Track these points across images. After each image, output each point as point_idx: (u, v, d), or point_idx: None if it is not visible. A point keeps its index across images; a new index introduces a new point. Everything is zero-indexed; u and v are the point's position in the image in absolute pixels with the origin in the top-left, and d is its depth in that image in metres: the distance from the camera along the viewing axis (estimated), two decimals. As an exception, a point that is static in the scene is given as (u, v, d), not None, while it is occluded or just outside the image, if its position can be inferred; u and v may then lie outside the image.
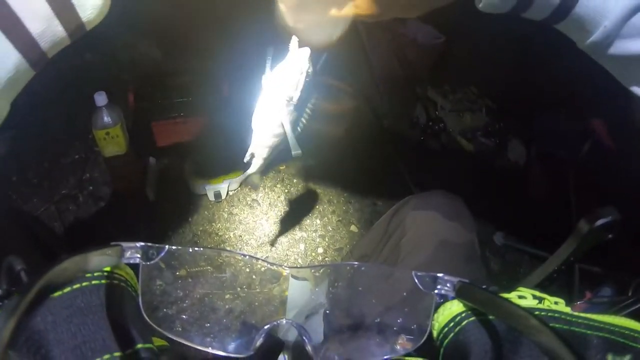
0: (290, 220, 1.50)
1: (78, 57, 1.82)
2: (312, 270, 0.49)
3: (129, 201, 1.46)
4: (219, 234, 1.44)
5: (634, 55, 0.47)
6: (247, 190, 1.55)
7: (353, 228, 1.51)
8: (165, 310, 0.46)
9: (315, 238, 1.47)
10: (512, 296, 0.44)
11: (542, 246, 1.35)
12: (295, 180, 1.62)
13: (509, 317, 0.36)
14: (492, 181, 1.61)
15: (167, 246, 0.44)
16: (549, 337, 0.32)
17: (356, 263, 0.49)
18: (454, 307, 0.42)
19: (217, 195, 1.49)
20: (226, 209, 1.50)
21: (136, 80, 1.64)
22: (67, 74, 1.63)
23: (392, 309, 0.47)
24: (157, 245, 0.44)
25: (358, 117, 1.81)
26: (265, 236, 1.45)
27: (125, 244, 0.42)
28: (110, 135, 1.30)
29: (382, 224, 0.91)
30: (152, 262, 0.44)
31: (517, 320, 0.35)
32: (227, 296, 0.50)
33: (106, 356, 0.35)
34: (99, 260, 0.39)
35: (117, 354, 0.35)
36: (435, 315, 0.44)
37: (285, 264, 1.06)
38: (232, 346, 0.46)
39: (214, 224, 1.46)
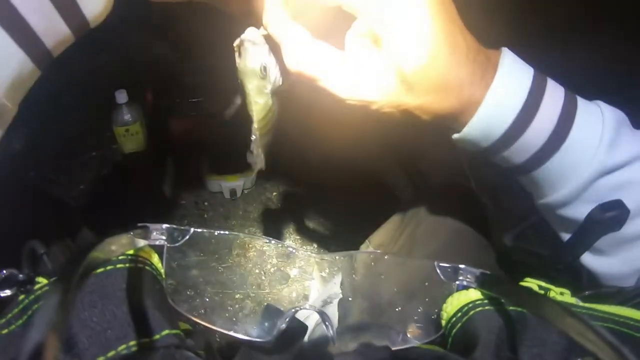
0: (304, 220, 1.51)
1: (94, 58, 1.85)
2: (337, 257, 0.48)
3: (146, 198, 1.48)
4: (234, 231, 1.45)
5: (580, 220, 0.44)
6: (262, 188, 1.57)
7: (368, 229, 1.51)
8: (188, 293, 0.46)
9: (329, 239, 1.47)
10: None
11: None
12: (312, 181, 1.63)
13: (538, 310, 0.34)
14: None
15: (192, 229, 0.44)
16: (592, 336, 0.28)
17: (378, 251, 0.49)
18: (462, 298, 0.42)
19: (233, 192, 1.51)
20: (241, 207, 1.51)
21: (153, 80, 1.67)
22: (84, 73, 1.66)
23: (412, 298, 0.46)
24: (182, 227, 0.43)
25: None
26: (279, 234, 1.46)
27: (151, 225, 0.42)
28: (130, 132, 1.32)
29: (399, 214, 0.91)
30: (177, 244, 0.44)
31: (551, 315, 0.32)
32: (251, 281, 0.51)
33: (132, 342, 0.34)
34: (126, 242, 0.39)
35: (144, 340, 0.35)
36: (444, 305, 0.43)
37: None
38: (255, 330, 0.46)
39: (229, 220, 1.47)
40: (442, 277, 0.43)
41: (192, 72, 1.66)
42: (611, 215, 0.42)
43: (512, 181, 0.50)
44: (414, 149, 1.51)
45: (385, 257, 0.49)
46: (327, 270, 0.53)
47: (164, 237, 0.43)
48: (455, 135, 0.44)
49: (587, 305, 0.40)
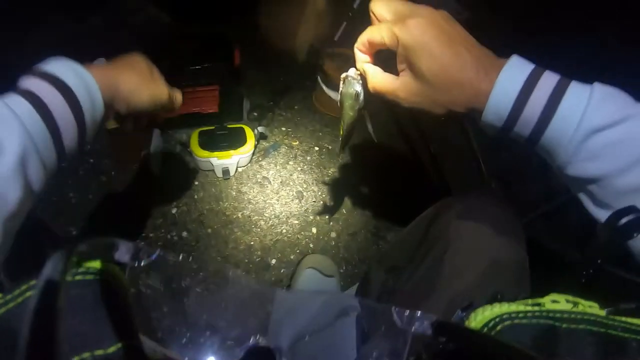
0: (302, 201, 1.41)
1: (82, 21, 1.72)
2: (300, 296, 0.55)
3: (131, 176, 1.38)
4: (227, 213, 1.35)
5: (590, 177, 0.51)
6: (257, 167, 1.47)
7: (368, 212, 1.42)
8: (148, 314, 0.46)
9: (329, 221, 1.38)
10: (546, 300, 0.45)
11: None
12: (308, 158, 1.53)
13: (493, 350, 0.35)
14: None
15: (158, 250, 0.44)
16: None
17: (346, 295, 0.52)
18: (487, 313, 0.44)
19: (226, 172, 1.40)
20: (235, 187, 1.41)
21: (143, 46, 1.54)
22: (70, 39, 1.54)
23: (370, 340, 0.48)
24: (149, 248, 0.44)
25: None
26: (276, 217, 1.36)
27: (118, 242, 0.42)
28: (112, 106, 1.20)
29: (416, 230, 0.82)
30: (140, 264, 0.44)
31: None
32: (213, 308, 0.50)
33: (86, 354, 0.34)
34: (91, 254, 0.40)
35: (98, 351, 0.35)
36: (467, 321, 0.45)
37: (297, 249, 1.21)
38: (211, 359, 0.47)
39: (221, 202, 1.37)
40: (398, 321, 0.43)
41: (185, 38, 1.54)
42: (626, 221, 0.48)
43: (524, 166, 0.62)
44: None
45: (353, 302, 0.52)
46: (295, 303, 0.54)
47: (128, 256, 0.43)
48: (481, 120, 0.56)
49: (619, 318, 0.42)
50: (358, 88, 0.65)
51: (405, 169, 1.53)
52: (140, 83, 0.70)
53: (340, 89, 0.67)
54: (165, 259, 0.45)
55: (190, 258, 0.47)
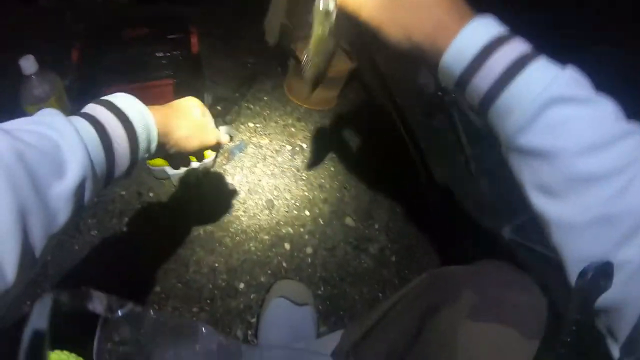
0: (272, 212, 1.24)
1: (31, 3, 1.53)
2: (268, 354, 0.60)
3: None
4: (182, 232, 1.18)
5: (542, 151, 0.46)
6: (220, 172, 1.29)
7: (348, 221, 1.26)
8: None
9: (304, 234, 1.22)
10: None
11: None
12: (280, 159, 1.35)
13: None
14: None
15: (130, 303, 0.47)
16: None
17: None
18: None
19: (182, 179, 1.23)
20: (195, 196, 1.24)
21: (88, 31, 1.33)
22: (18, 21, 1.35)
23: None
24: (121, 301, 0.47)
25: (352, 81, 1.54)
26: (243, 233, 1.19)
27: (93, 293, 0.46)
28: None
29: (407, 314, 0.67)
30: (113, 316, 0.46)
31: None
32: None
33: None
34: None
35: None
36: None
37: (267, 269, 1.11)
38: None
39: (176, 213, 1.20)
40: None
41: (137, 23, 1.33)
42: (592, 277, 0.41)
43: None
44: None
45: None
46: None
47: (102, 307, 0.46)
48: (440, 62, 0.51)
49: None
50: (331, 5, 0.61)
51: (389, 169, 1.37)
52: (193, 131, 0.74)
53: (315, 4, 0.63)
54: (136, 312, 0.46)
55: (161, 313, 0.51)
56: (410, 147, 1.34)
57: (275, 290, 1.07)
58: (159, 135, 0.64)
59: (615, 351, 0.45)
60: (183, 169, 1.21)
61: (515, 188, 0.57)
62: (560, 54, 0.51)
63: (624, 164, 0.44)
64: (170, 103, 0.76)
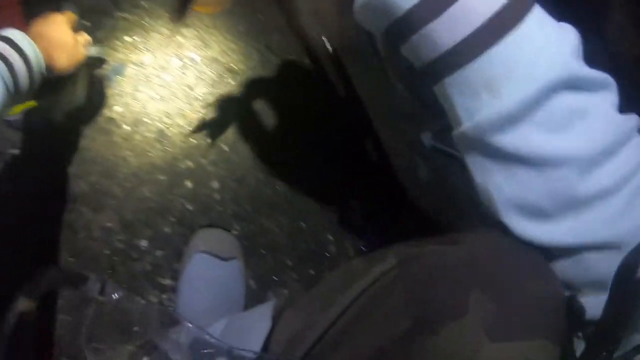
0: (165, 144, 1.06)
1: None
2: None
3: None
4: (59, 193, 0.98)
5: (528, 156, 0.34)
6: (93, 109, 1.06)
7: (258, 145, 1.10)
8: None
9: (206, 167, 1.05)
10: None
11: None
12: (168, 78, 1.13)
13: None
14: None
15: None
16: None
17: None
18: None
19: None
20: (67, 143, 1.02)
21: None
22: None
23: None
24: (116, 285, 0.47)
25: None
26: (134, 176, 1.01)
27: (89, 276, 0.47)
28: None
29: (370, 309, 0.47)
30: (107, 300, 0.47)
31: None
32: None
33: None
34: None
35: None
36: None
37: (171, 216, 0.99)
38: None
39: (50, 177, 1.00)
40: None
41: None
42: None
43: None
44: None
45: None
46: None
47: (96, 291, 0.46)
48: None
49: None
50: None
51: (300, 77, 1.19)
52: (58, 54, 0.78)
53: None
54: (129, 299, 0.47)
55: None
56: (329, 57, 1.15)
57: (194, 245, 0.93)
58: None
59: None
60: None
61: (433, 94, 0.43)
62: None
63: (630, 171, 0.35)
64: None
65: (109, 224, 0.96)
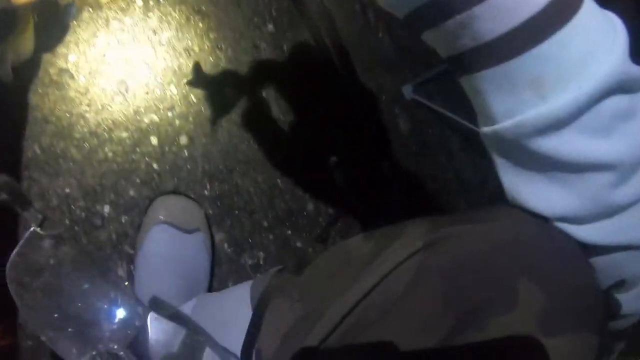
0: (127, 96, 0.96)
1: None
2: None
3: None
4: (9, 159, 0.90)
5: (576, 161, 0.32)
6: (48, 56, 0.96)
7: (228, 91, 1.01)
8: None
9: (173, 120, 0.96)
10: None
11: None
12: (129, 20, 1.02)
13: None
14: None
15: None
16: None
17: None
18: None
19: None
20: (14, 102, 0.93)
21: None
22: None
23: None
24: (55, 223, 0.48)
25: None
26: (93, 135, 0.92)
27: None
28: None
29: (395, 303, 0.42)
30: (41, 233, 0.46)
31: None
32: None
33: None
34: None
35: None
36: None
37: (135, 177, 0.91)
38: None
39: None
40: None
41: None
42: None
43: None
44: None
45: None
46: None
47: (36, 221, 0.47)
48: None
49: None
50: None
51: (271, 15, 1.07)
52: None
53: None
54: (62, 238, 0.47)
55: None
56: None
57: (152, 215, 0.84)
58: None
59: None
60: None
61: (419, 41, 0.38)
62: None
63: None
64: None
65: (67, 190, 0.88)
